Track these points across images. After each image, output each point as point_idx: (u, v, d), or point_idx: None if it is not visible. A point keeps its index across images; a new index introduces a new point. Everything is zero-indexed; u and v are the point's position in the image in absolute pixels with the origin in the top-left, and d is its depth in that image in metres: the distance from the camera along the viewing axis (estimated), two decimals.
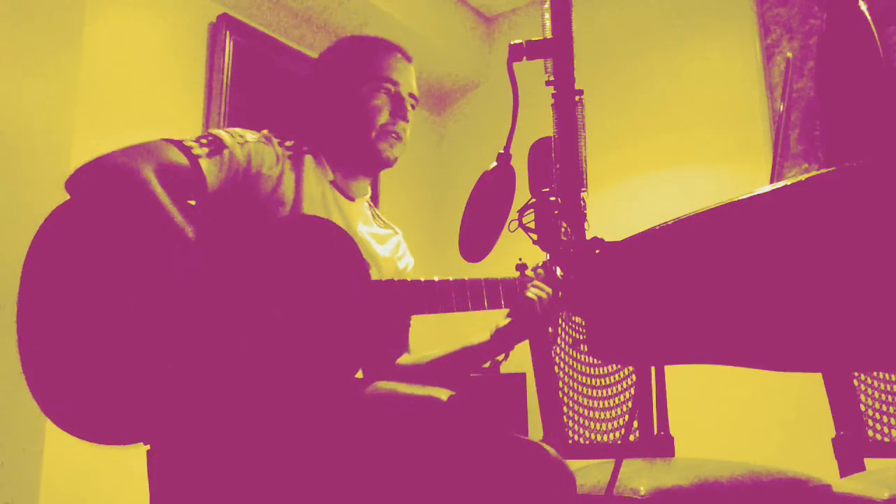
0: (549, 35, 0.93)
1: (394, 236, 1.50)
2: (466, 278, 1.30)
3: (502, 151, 1.10)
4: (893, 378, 1.64)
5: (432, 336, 1.60)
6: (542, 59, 0.93)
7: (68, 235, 1.13)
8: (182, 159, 1.15)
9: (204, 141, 1.19)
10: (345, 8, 3.20)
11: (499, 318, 1.36)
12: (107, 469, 2.14)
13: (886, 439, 1.60)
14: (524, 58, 0.95)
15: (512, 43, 0.95)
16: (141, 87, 2.57)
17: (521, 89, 1.03)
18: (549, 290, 1.32)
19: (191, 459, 1.12)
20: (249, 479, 1.09)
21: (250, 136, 1.26)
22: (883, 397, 1.64)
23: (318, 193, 1.32)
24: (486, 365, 1.38)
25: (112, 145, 1.18)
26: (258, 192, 1.23)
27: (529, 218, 1.06)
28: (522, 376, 2.93)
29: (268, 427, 1.10)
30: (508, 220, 1.10)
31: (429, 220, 3.84)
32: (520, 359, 2.27)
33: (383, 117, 1.35)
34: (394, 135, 1.36)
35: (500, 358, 1.36)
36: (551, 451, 1.12)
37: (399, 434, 1.08)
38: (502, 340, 1.34)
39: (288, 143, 1.32)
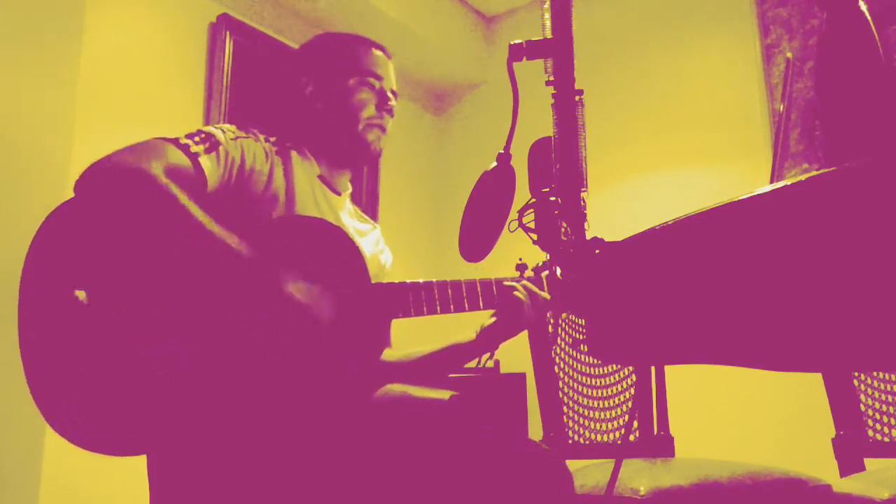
0: (549, 35, 0.93)
1: (373, 231, 1.50)
2: (462, 280, 1.31)
3: (502, 151, 1.10)
4: (893, 378, 1.63)
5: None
6: (542, 59, 0.93)
7: (74, 237, 1.11)
8: (183, 159, 1.14)
9: (198, 139, 1.18)
10: (345, 8, 3.20)
11: (485, 317, 1.37)
12: (107, 469, 2.14)
13: (886, 439, 1.60)
14: (524, 58, 0.94)
15: (512, 43, 0.95)
16: (141, 86, 2.57)
17: (521, 89, 1.03)
18: (537, 290, 1.33)
19: (192, 465, 1.12)
20: (255, 485, 1.09)
21: (239, 131, 1.26)
22: (883, 397, 1.63)
23: (308, 189, 1.32)
24: (472, 364, 1.38)
25: (112, 145, 1.17)
26: (252, 190, 1.23)
27: (529, 218, 1.05)
28: (522, 376, 2.92)
29: (273, 432, 1.10)
30: (508, 220, 1.10)
31: (429, 220, 3.84)
32: (520, 359, 2.27)
33: (369, 110, 1.36)
34: (380, 128, 1.38)
35: (485, 357, 1.36)
36: (549, 450, 1.12)
37: (399, 436, 1.08)
38: (487, 339, 1.34)
39: (272, 139, 1.32)
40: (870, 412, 1.63)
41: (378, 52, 1.42)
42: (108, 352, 1.06)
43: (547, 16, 0.93)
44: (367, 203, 3.42)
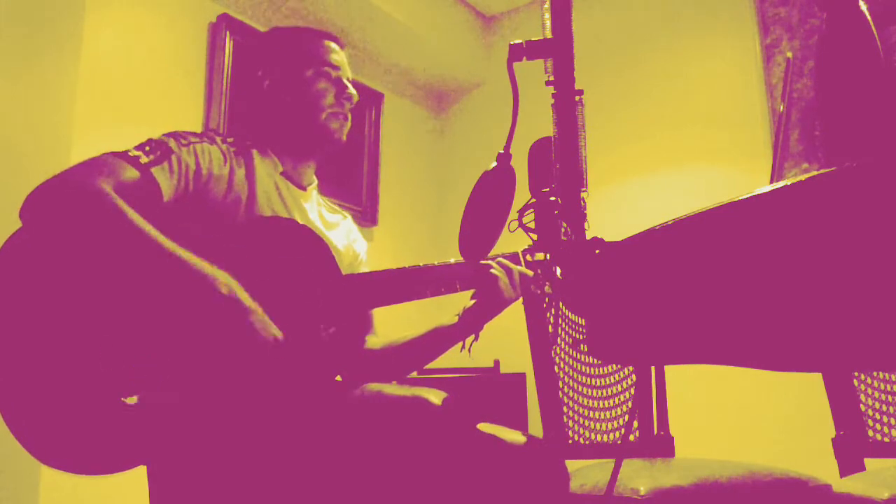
0: (549, 35, 0.93)
1: (344, 220, 1.51)
2: (436, 262, 1.31)
3: (502, 151, 1.10)
4: (893, 378, 1.63)
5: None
6: (542, 59, 0.93)
7: (32, 263, 1.08)
8: (132, 172, 1.12)
9: (147, 148, 1.17)
10: (344, 8, 3.20)
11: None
12: None
13: (886, 439, 1.60)
14: (524, 58, 0.95)
15: (512, 43, 0.95)
16: (141, 87, 2.57)
17: (521, 89, 1.03)
18: (513, 266, 1.33)
19: (187, 468, 1.12)
20: (245, 483, 1.09)
21: (193, 137, 1.24)
22: (883, 397, 1.63)
23: (270, 186, 1.32)
24: (461, 356, 1.38)
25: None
26: (212, 195, 1.22)
27: (529, 218, 1.06)
28: (522, 376, 2.93)
29: (259, 433, 1.10)
30: (508, 220, 1.10)
31: (429, 219, 3.83)
32: (520, 359, 2.27)
33: (329, 99, 1.37)
34: (342, 115, 1.39)
35: (470, 340, 1.36)
36: (543, 446, 1.12)
37: (388, 436, 1.07)
38: (469, 321, 1.35)
39: (230, 140, 1.31)
40: (870, 412, 1.63)
41: (331, 43, 1.42)
42: (83, 371, 1.04)
43: (547, 16, 0.93)
44: (367, 203, 3.41)
